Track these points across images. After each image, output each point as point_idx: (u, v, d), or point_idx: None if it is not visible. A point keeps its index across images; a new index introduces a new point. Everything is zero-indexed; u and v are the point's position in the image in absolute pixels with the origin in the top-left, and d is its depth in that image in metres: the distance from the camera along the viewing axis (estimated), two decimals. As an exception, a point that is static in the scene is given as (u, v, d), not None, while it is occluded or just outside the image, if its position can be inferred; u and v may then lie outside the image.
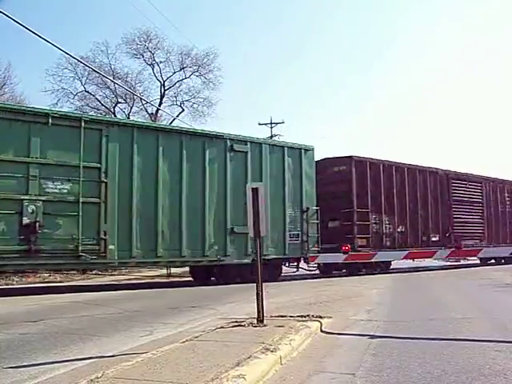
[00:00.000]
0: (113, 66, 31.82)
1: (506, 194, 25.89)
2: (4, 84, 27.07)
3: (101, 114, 32.82)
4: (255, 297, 6.79)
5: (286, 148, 17.15)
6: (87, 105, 32.45)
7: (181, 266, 18.00)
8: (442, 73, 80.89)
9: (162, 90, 33.00)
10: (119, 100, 32.32)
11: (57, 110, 18.66)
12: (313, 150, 17.85)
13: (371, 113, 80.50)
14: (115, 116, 32.47)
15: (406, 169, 21.11)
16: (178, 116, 31.78)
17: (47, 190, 12.48)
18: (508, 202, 25.87)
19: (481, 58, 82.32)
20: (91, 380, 4.11)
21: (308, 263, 18.15)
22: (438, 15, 75.20)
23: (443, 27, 75.48)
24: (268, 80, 73.09)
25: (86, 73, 30.72)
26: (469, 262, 27.72)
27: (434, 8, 75.43)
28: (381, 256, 20.12)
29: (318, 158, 18.44)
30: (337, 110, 78.74)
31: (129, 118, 32.71)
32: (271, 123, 39.41)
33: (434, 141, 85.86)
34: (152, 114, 32.90)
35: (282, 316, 7.57)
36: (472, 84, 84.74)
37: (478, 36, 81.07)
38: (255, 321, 6.75)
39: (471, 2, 77.01)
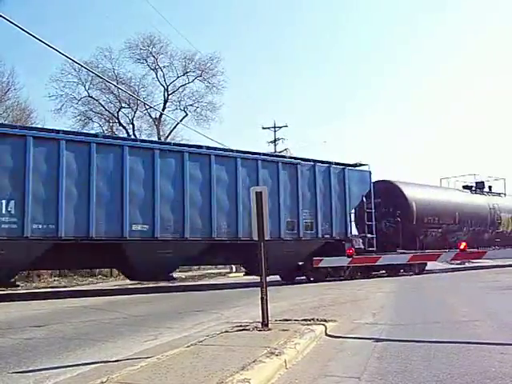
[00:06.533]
0: (116, 71, 31.97)
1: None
2: (8, 89, 27.18)
3: (104, 118, 33.00)
4: (259, 301, 6.78)
5: None
6: (91, 110, 32.59)
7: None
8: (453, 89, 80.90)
9: (166, 95, 33.11)
10: (123, 105, 32.43)
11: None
12: None
13: (373, 118, 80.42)
14: (118, 120, 32.63)
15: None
16: (181, 121, 31.84)
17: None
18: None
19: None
20: (96, 385, 4.12)
21: None
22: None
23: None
24: (272, 84, 73.27)
25: (90, 78, 30.88)
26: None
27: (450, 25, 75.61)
28: (385, 259, 20.05)
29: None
30: (339, 115, 78.78)
31: (132, 122, 32.87)
32: (275, 127, 39.53)
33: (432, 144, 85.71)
34: (156, 118, 33.01)
35: (287, 320, 7.55)
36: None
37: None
38: (260, 325, 6.74)
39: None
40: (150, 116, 33.25)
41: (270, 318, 6.84)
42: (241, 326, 6.99)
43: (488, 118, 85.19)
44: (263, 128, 39.73)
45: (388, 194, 21.17)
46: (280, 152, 38.48)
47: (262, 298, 6.75)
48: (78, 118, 32.15)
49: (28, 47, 49.88)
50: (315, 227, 17.58)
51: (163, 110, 32.48)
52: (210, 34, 59.35)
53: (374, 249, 19.41)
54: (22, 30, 11.88)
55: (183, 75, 33.05)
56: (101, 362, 5.40)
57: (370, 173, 20.12)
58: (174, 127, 33.06)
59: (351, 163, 19.82)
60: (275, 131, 39.56)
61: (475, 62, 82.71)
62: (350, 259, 18.64)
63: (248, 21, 70.43)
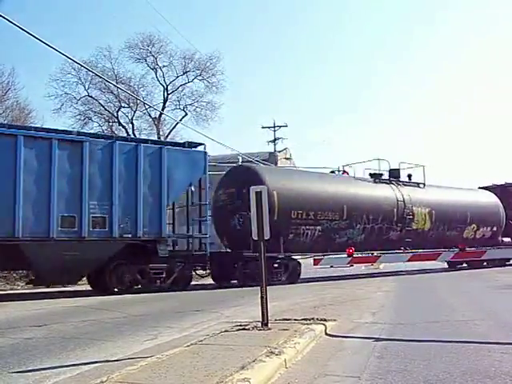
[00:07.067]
0: (116, 71, 32.02)
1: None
2: (8, 89, 27.22)
3: (104, 118, 33.02)
4: (259, 300, 6.78)
5: None
6: (90, 109, 32.62)
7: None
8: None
9: (165, 94, 33.15)
10: (122, 104, 32.47)
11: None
12: None
13: (374, 118, 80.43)
14: (118, 120, 32.67)
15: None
16: (181, 120, 31.84)
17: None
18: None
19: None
20: (96, 384, 4.12)
21: None
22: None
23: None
24: (273, 83, 73.28)
25: (90, 77, 30.92)
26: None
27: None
28: (385, 258, 20.12)
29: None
30: (338, 114, 78.76)
31: (132, 122, 32.90)
32: (274, 126, 39.57)
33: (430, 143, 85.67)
34: (155, 118, 33.02)
35: (287, 319, 7.55)
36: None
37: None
38: (260, 324, 6.74)
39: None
40: (150, 115, 33.32)
41: (269, 318, 6.83)
42: (240, 325, 6.99)
43: (488, 118, 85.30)
44: (262, 127, 39.83)
45: (244, 182, 15.96)
46: (279, 152, 38.51)
47: (261, 298, 6.75)
48: (78, 117, 32.22)
49: (28, 47, 49.94)
50: (109, 224, 13.61)
51: (163, 109, 32.53)
52: (212, 34, 59.59)
53: (206, 252, 15.73)
54: (22, 29, 11.86)
55: (183, 74, 33.13)
56: (101, 362, 5.40)
57: (206, 154, 15.85)
58: (174, 127, 33.13)
59: (178, 142, 16.04)
60: (275, 130, 39.68)
61: (478, 61, 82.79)
62: (350, 258, 18.66)
63: (250, 21, 70.53)
